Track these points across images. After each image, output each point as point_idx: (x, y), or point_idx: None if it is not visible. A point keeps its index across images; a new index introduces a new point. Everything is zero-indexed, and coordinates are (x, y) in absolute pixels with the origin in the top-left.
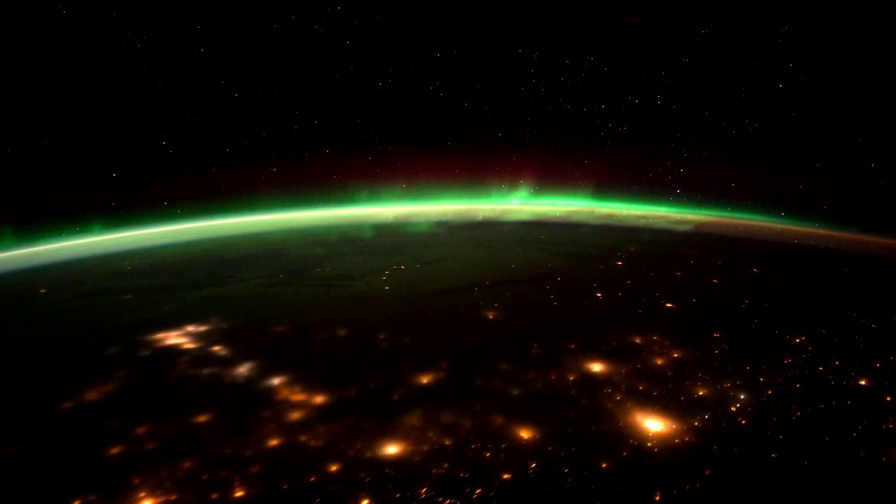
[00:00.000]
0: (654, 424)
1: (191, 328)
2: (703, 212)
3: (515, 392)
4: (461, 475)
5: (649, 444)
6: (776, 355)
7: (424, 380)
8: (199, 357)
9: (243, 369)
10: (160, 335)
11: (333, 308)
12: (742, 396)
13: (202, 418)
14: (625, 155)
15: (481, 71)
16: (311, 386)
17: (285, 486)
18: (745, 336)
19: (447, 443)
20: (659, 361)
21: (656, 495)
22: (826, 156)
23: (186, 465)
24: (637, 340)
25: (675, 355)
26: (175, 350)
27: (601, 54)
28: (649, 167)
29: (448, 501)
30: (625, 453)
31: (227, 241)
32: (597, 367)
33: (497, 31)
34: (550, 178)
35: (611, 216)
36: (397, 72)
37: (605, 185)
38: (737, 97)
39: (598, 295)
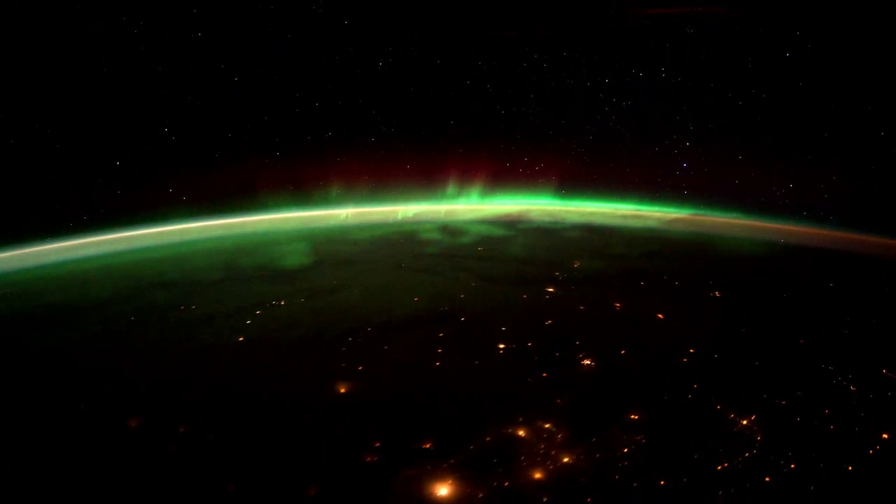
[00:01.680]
0: None
1: None
2: (687, 210)
3: None
4: None
5: None
6: (718, 462)
7: None
8: None
9: None
10: None
11: (138, 379)
12: None
13: None
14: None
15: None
16: None
17: None
18: (675, 416)
19: None
20: (535, 476)
21: None
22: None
23: None
24: (520, 434)
25: (564, 461)
26: None
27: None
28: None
29: None
30: None
31: (128, 255)
32: (442, 489)
33: (498, 32)
34: (516, 175)
35: (590, 214)
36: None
37: (581, 182)
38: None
39: (501, 347)
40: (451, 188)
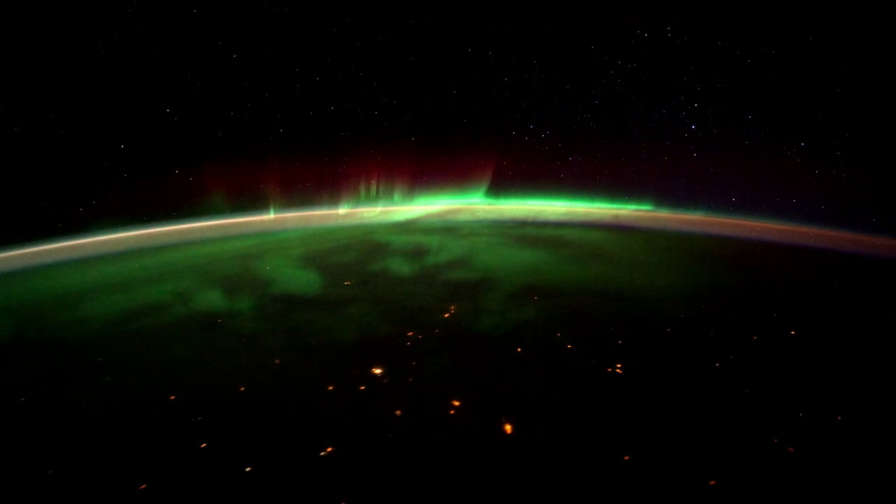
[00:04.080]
0: None
1: None
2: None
3: None
4: None
5: None
6: None
7: None
8: None
9: None
10: None
11: None
12: None
13: None
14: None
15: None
16: None
17: None
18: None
19: None
20: None
21: None
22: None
23: None
24: None
25: None
26: None
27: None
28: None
29: None
30: None
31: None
32: None
33: (498, 31)
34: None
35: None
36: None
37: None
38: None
39: None
40: (373, 189)
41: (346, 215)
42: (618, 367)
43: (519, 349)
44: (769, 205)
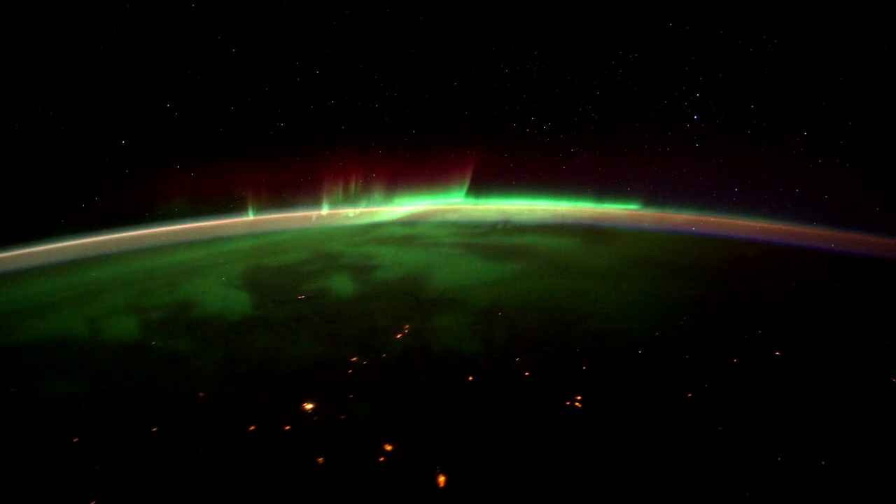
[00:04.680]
0: None
1: None
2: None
3: None
4: None
5: None
6: None
7: None
8: None
9: None
10: None
11: None
12: None
13: None
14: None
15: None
16: None
17: None
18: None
19: None
20: None
21: None
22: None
23: None
24: None
25: None
26: None
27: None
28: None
29: None
30: None
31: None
32: None
33: (498, 31)
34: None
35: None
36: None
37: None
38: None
39: None
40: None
41: (321, 218)
42: (577, 401)
43: (471, 377)
44: (770, 198)
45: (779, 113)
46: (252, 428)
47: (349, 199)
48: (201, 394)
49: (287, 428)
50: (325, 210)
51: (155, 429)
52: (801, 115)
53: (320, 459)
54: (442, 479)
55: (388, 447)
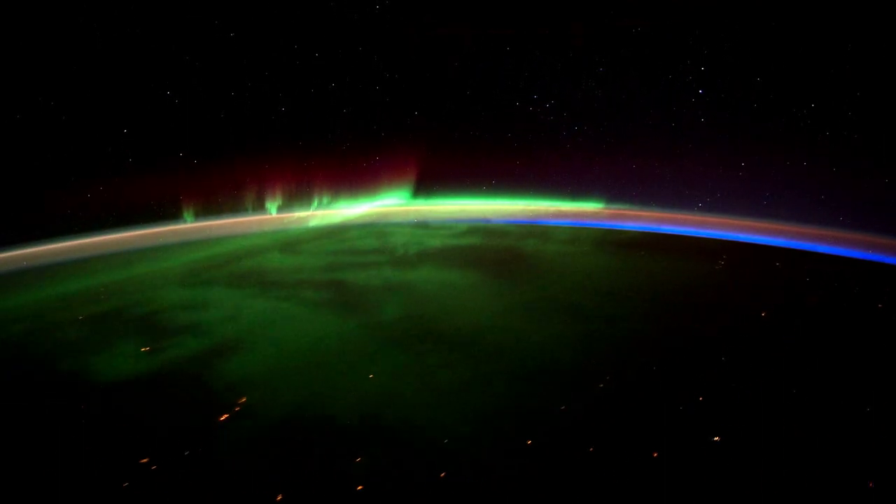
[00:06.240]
0: None
1: None
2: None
3: None
4: None
5: None
6: None
7: None
8: None
9: None
10: None
11: None
12: None
13: None
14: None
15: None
16: None
17: None
18: None
19: None
20: None
21: None
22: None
23: None
24: None
25: None
26: None
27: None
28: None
29: None
30: None
31: None
32: None
33: (498, 31)
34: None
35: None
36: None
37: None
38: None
39: None
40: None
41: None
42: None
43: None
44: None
45: (779, 113)
46: None
47: (302, 202)
48: None
49: None
50: (273, 212)
51: None
52: (802, 115)
53: None
54: None
55: None
